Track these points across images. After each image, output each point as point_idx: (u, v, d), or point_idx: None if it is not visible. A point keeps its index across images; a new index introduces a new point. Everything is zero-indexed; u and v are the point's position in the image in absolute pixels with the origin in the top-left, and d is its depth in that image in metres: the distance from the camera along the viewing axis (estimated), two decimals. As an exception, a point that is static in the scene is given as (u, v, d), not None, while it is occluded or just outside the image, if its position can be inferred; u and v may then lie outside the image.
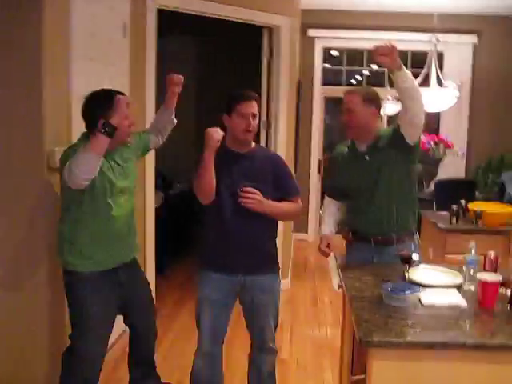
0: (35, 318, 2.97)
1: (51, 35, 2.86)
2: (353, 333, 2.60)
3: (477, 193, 5.70)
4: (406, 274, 2.52)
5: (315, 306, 5.01)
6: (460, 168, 6.88)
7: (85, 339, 2.66)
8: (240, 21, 4.83)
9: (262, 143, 5.11)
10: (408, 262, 2.55)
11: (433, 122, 7.09)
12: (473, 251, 2.49)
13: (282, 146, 5.12)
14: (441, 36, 5.70)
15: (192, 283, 5.12)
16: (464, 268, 2.51)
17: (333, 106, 7.83)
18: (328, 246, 3.02)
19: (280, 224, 3.03)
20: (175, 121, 3.11)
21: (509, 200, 4.84)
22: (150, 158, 4.20)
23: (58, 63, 2.99)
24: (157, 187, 4.51)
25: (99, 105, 2.54)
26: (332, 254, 3.04)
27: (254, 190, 2.57)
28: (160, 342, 3.18)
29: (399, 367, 1.96)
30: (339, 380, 3.01)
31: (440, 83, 5.58)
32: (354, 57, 7.55)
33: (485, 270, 2.51)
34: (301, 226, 7.25)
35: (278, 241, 2.93)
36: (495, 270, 2.49)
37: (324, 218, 3.19)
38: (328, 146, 7.79)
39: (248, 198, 2.56)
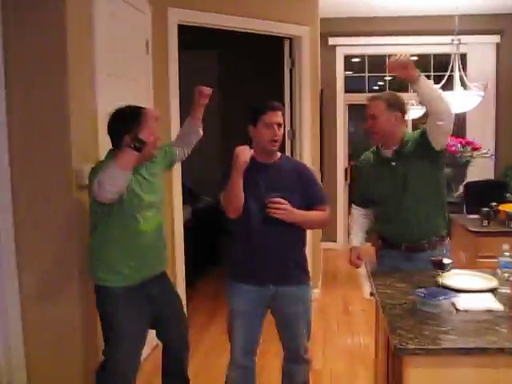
0: (68, 333, 2.99)
1: (76, 54, 2.91)
2: (387, 341, 2.57)
3: (507, 194, 5.60)
4: (439, 280, 2.48)
5: (347, 315, 4.96)
6: (489, 169, 6.77)
7: (117, 354, 2.66)
8: (260, 33, 4.86)
9: (287, 153, 5.11)
10: (440, 267, 2.52)
11: (459, 124, 7.00)
12: (507, 253, 2.45)
13: (307, 155, 5.11)
14: (463, 37, 5.64)
15: (222, 295, 5.11)
16: (498, 271, 2.47)
17: (356, 113, 7.79)
18: (358, 257, 3.01)
19: (308, 233, 3.01)
20: (201, 132, 3.13)
21: (540, 200, 4.75)
22: (177, 173, 4.23)
23: (84, 81, 3.04)
24: (184, 201, 4.54)
25: (125, 121, 2.58)
26: (363, 263, 3.03)
27: (283, 201, 2.56)
28: (192, 355, 3.17)
29: (435, 375, 1.93)
30: (375, 389, 2.97)
31: (464, 85, 5.52)
32: (376, 63, 7.51)
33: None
34: (329, 234, 7.21)
35: (307, 250, 2.91)
36: (531, 273, 2.44)
37: (352, 228, 3.17)
38: (353, 154, 7.75)
39: (277, 208, 2.56)
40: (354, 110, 7.66)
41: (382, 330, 2.62)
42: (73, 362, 3.01)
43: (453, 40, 5.58)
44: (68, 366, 3.01)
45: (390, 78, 7.65)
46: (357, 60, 7.64)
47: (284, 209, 2.56)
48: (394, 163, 2.87)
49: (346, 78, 7.52)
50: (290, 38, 5.14)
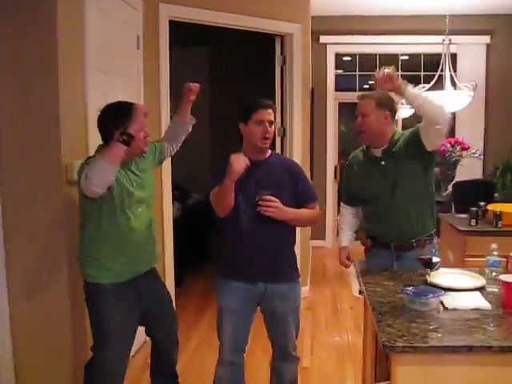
0: (57, 329, 2.98)
1: (66, 49, 2.89)
2: (375, 339, 2.58)
3: (495, 194, 5.64)
4: (428, 278, 2.49)
5: (335, 313, 4.98)
6: (477, 169, 6.81)
7: (106, 351, 2.65)
8: (252, 30, 4.85)
9: (277, 151, 5.11)
10: (429, 265, 2.53)
11: (449, 124, 7.03)
12: (495, 253, 2.47)
13: (298, 153, 5.11)
14: (453, 37, 5.68)
15: (210, 293, 5.13)
16: (486, 270, 2.49)
17: (347, 112, 7.80)
18: (348, 257, 3.03)
19: (298, 231, 3.02)
20: (189, 128, 3.12)
21: (529, 200, 4.78)
22: (167, 169, 4.22)
23: (74, 77, 3.02)
24: (173, 198, 4.52)
25: (115, 116, 2.57)
26: (353, 263, 3.04)
27: (274, 199, 2.56)
28: (181, 352, 3.16)
29: (424, 372, 1.94)
30: (363, 387, 2.98)
31: (454, 84, 5.55)
32: (367, 62, 7.53)
33: (507, 271, 2.48)
34: (318, 232, 7.23)
35: (297, 248, 2.91)
36: (518, 272, 2.46)
37: (341, 227, 3.18)
38: (343, 152, 7.78)
39: (268, 206, 2.55)
40: (345, 109, 7.67)
41: (371, 327, 2.63)
42: (62, 358, 3.00)
43: (443, 40, 5.62)
44: (57, 362, 2.99)
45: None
46: (347, 58, 7.66)
47: (275, 207, 2.55)
48: (383, 162, 2.88)
49: (337, 77, 7.53)
50: (282, 36, 5.13)
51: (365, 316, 2.88)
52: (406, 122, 6.18)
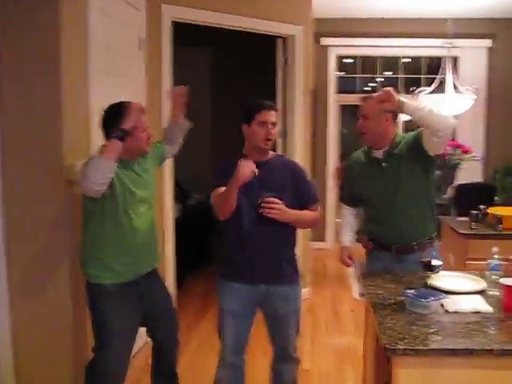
0: (57, 329, 2.98)
1: (69, 51, 2.91)
2: (376, 341, 2.58)
3: (496, 197, 5.64)
4: (429, 281, 2.49)
5: (336, 315, 4.98)
6: (478, 172, 6.81)
7: (108, 351, 2.66)
8: (254, 31, 4.86)
9: (279, 152, 5.11)
10: (430, 268, 2.53)
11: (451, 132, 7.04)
12: (496, 256, 2.47)
13: (299, 155, 5.11)
14: (455, 41, 5.69)
15: (211, 294, 5.12)
16: (487, 273, 2.49)
17: (348, 114, 7.81)
18: (350, 257, 3.03)
19: (298, 233, 3.02)
20: (187, 125, 3.11)
21: (529, 204, 4.79)
22: (169, 169, 4.22)
23: (77, 77, 3.03)
24: (174, 198, 4.53)
25: (111, 115, 2.61)
26: (353, 264, 3.05)
27: (277, 200, 2.56)
28: (181, 353, 3.17)
29: (424, 375, 1.94)
30: (363, 389, 2.99)
31: (455, 88, 5.55)
32: (368, 64, 7.54)
33: (508, 275, 2.48)
34: (318, 234, 7.22)
35: (297, 250, 2.91)
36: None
37: (343, 227, 3.19)
38: (344, 154, 7.78)
39: (271, 208, 2.56)
40: (347, 111, 7.68)
41: (372, 330, 2.63)
42: (62, 358, 3.01)
43: (445, 43, 5.62)
44: (57, 362, 3.00)
45: (381, 80, 7.68)
46: (349, 61, 7.66)
47: (278, 208, 2.56)
48: (384, 164, 2.88)
49: (338, 79, 7.53)
50: (284, 37, 5.14)
51: (366, 318, 2.89)
52: (408, 125, 6.18)
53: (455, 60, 6.46)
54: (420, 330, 2.03)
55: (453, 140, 6.15)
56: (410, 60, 7.44)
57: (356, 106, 2.97)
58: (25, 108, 2.88)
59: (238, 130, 2.70)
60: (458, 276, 2.66)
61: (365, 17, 6.93)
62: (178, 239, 4.50)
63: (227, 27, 4.67)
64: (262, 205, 2.55)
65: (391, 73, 7.54)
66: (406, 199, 2.85)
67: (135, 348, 3.13)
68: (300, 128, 5.19)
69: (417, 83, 6.73)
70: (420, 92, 5.62)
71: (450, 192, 5.63)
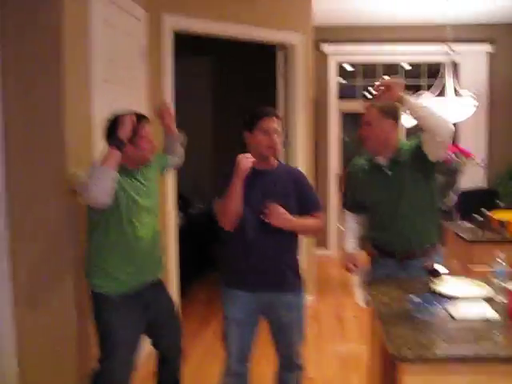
0: (61, 339, 2.98)
1: (72, 60, 2.92)
2: (382, 348, 2.57)
3: (499, 202, 5.64)
4: (434, 287, 2.48)
5: (340, 322, 4.96)
6: (480, 177, 6.82)
7: (113, 361, 2.65)
8: (255, 39, 4.87)
9: (281, 160, 5.10)
10: (434, 274, 2.52)
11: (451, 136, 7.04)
12: (502, 262, 2.46)
13: (301, 163, 5.12)
14: (455, 46, 5.70)
15: (214, 302, 5.12)
16: (493, 279, 2.48)
17: (349, 121, 7.82)
18: (354, 263, 3.02)
19: (303, 240, 3.02)
20: (179, 144, 3.14)
21: (532, 208, 4.78)
22: (172, 178, 4.22)
23: (79, 87, 3.04)
24: (177, 207, 4.53)
25: (111, 125, 2.63)
26: (357, 270, 3.04)
27: (280, 208, 2.56)
28: (185, 361, 3.16)
29: (432, 382, 1.93)
30: (368, 397, 2.97)
31: (456, 93, 5.56)
32: (368, 71, 7.55)
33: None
34: (321, 241, 7.22)
35: (301, 257, 2.91)
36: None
37: (346, 234, 3.18)
38: (346, 161, 7.78)
39: (275, 216, 2.56)
40: (348, 118, 7.69)
41: (377, 337, 2.62)
42: (67, 368, 3.00)
43: (445, 49, 5.63)
44: (62, 372, 2.99)
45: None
46: (349, 68, 7.67)
47: (282, 216, 2.56)
48: (388, 171, 2.88)
49: (338, 86, 7.54)
50: (284, 45, 5.15)
51: (371, 325, 2.87)
52: (411, 132, 6.19)
53: (455, 65, 6.47)
54: (426, 337, 2.02)
55: (455, 145, 6.15)
56: (410, 66, 7.46)
57: (357, 113, 2.96)
58: (26, 109, 2.88)
59: (240, 139, 2.69)
60: (463, 282, 2.65)
61: (365, 24, 6.96)
62: (180, 248, 4.50)
63: (227, 37, 4.68)
64: (266, 212, 2.55)
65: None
66: (410, 206, 2.85)
67: (139, 357, 3.12)
68: (302, 135, 5.19)
69: (417, 89, 6.74)
70: (421, 95, 5.62)
71: (453, 197, 5.62)
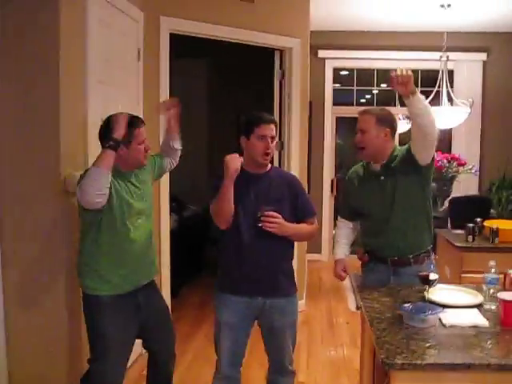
0: (52, 340, 2.97)
1: (67, 61, 2.91)
2: (373, 354, 2.58)
3: (491, 210, 5.67)
4: (426, 295, 2.49)
5: (331, 327, 4.96)
6: (473, 185, 6.85)
7: (104, 363, 2.64)
8: (252, 43, 4.88)
9: (276, 164, 5.11)
10: (427, 282, 2.53)
11: (445, 140, 7.08)
12: (493, 270, 2.47)
13: (295, 167, 5.12)
14: (450, 54, 5.73)
15: (207, 305, 5.11)
16: (484, 287, 2.49)
17: (345, 126, 7.84)
18: (344, 269, 3.02)
19: (295, 245, 3.02)
20: (179, 145, 3.13)
21: (524, 217, 4.81)
22: (165, 181, 4.22)
23: (75, 88, 3.03)
24: (170, 210, 4.52)
25: (106, 126, 2.63)
26: (348, 276, 3.04)
27: (276, 214, 2.56)
28: (177, 364, 3.14)
29: (422, 389, 1.94)
30: (359, 402, 2.98)
31: (451, 101, 5.59)
32: (364, 76, 7.58)
33: (505, 289, 2.49)
34: (314, 246, 7.21)
35: (293, 262, 2.91)
36: (516, 289, 2.46)
37: (337, 240, 3.18)
38: (340, 166, 7.81)
39: (270, 222, 2.56)
40: (343, 123, 7.71)
41: (368, 343, 2.63)
42: (58, 369, 2.99)
43: (441, 56, 5.67)
44: (53, 373, 2.98)
45: (377, 92, 7.72)
46: (345, 73, 7.70)
47: (277, 222, 2.56)
48: (382, 177, 2.88)
49: (334, 91, 7.57)
50: (281, 50, 5.16)
51: (362, 331, 2.88)
52: (403, 137, 6.21)
53: (450, 73, 6.51)
54: (418, 344, 2.03)
55: (448, 153, 6.19)
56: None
57: (352, 118, 2.96)
58: (22, 116, 2.88)
59: (236, 142, 2.70)
60: (454, 289, 2.67)
61: (361, 30, 6.99)
62: (173, 250, 4.49)
63: (225, 40, 4.68)
64: (262, 218, 2.55)
65: (387, 85, 7.57)
66: (403, 212, 2.85)
67: (130, 359, 3.11)
68: (297, 140, 5.19)
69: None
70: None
71: (445, 205, 5.65)
